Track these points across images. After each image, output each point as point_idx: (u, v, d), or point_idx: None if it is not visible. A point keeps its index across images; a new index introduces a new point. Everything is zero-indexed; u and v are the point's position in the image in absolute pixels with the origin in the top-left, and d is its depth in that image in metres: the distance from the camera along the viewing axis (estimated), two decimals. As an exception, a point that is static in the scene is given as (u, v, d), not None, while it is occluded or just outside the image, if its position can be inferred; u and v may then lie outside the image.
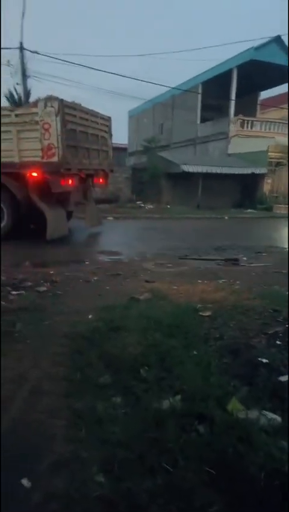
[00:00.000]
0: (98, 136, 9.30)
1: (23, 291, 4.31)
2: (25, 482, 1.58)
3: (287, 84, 21.23)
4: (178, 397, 2.05)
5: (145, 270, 5.80)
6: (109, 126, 9.87)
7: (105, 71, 19.08)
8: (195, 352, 2.61)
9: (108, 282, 4.95)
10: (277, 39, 19.60)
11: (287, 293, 4.25)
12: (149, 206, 17.62)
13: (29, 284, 4.67)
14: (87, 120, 8.63)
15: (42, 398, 2.18)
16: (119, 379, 2.31)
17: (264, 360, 2.44)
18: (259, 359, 2.46)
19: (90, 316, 3.46)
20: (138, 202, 18.33)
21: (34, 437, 1.86)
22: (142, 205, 17.72)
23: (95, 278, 5.16)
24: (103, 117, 9.53)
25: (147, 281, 4.97)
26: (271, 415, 1.85)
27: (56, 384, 2.32)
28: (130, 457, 1.65)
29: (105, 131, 9.72)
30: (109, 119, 9.84)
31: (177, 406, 1.96)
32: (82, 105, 8.52)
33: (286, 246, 8.83)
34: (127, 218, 14.43)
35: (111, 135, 10.03)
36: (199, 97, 23.16)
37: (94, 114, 9.05)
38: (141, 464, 1.61)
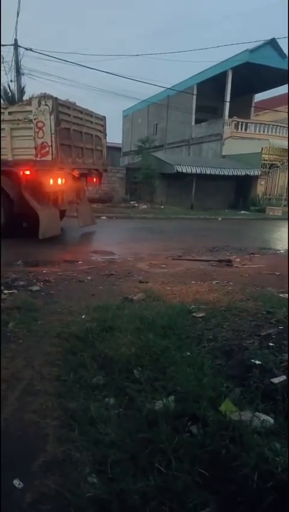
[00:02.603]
0: (92, 135, 9.27)
1: (15, 291, 4.28)
2: (17, 482, 1.57)
3: (284, 86, 21.38)
4: (171, 398, 2.05)
5: (139, 270, 5.80)
6: (103, 126, 9.84)
7: (100, 70, 19.09)
8: (188, 353, 2.61)
9: (101, 282, 4.94)
10: (272, 42, 19.74)
11: (280, 295, 4.28)
12: (143, 206, 17.64)
13: (22, 283, 4.64)
14: (81, 119, 8.59)
15: (35, 398, 2.16)
16: (112, 379, 2.31)
17: (257, 362, 2.45)
18: (252, 360, 2.47)
19: (83, 316, 3.45)
20: (131, 202, 18.33)
21: (26, 437, 1.85)
22: (136, 205, 17.73)
23: (88, 278, 5.14)
24: (97, 116, 9.49)
25: (140, 281, 4.96)
26: (264, 416, 1.86)
27: (49, 384, 2.31)
28: (123, 458, 1.65)
29: (100, 130, 9.69)
30: (103, 118, 9.80)
31: (170, 407, 1.96)
32: (77, 103, 8.49)
33: (279, 248, 8.91)
34: (120, 218, 14.42)
35: (105, 135, 10.00)
36: (194, 98, 23.25)
37: (89, 113, 9.02)
38: (134, 464, 1.61)
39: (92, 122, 9.20)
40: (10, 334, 3.02)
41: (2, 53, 16.26)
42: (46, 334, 3.05)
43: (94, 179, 9.99)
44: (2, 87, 17.46)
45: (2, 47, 16.08)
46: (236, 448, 1.60)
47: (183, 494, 1.45)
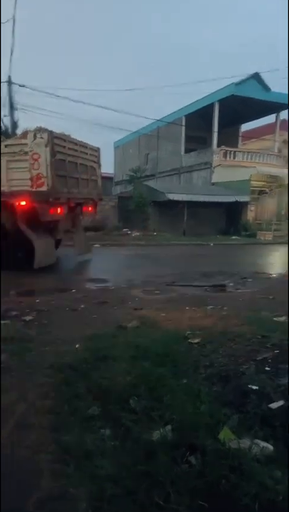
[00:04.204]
0: (87, 166, 9.50)
1: (8, 321, 4.23)
2: (10, 522, 1.50)
3: (269, 116, 22.24)
4: (168, 427, 2.01)
5: (132, 298, 5.79)
6: (98, 157, 10.12)
7: (92, 104, 19.79)
8: (185, 381, 2.58)
9: (95, 310, 4.91)
10: (256, 76, 20.77)
11: (274, 318, 4.29)
12: (136, 233, 17.80)
13: (15, 313, 4.59)
14: (76, 150, 8.83)
15: (28, 432, 2.10)
16: (108, 410, 2.26)
17: (254, 387, 2.43)
18: (249, 386, 2.45)
19: (77, 345, 3.40)
20: (124, 230, 18.49)
21: (20, 473, 1.79)
22: (129, 232, 17.89)
23: (82, 306, 5.11)
24: (92, 148, 9.78)
25: (135, 308, 4.94)
26: (263, 443, 1.82)
27: (43, 416, 2.25)
28: (121, 492, 1.59)
29: (94, 161, 9.94)
30: (98, 150, 10.11)
31: (168, 437, 1.92)
32: (72, 136, 8.74)
33: (272, 272, 8.98)
34: (114, 245, 14.51)
35: (99, 165, 10.26)
36: (183, 129, 24.06)
37: (83, 145, 9.28)
38: (132, 499, 1.56)
39: (87, 153, 9.46)
40: (3, 365, 2.96)
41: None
42: (39, 364, 2.99)
43: (90, 208, 10.16)
44: None
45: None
46: (236, 477, 1.56)
47: (184, 528, 1.40)
